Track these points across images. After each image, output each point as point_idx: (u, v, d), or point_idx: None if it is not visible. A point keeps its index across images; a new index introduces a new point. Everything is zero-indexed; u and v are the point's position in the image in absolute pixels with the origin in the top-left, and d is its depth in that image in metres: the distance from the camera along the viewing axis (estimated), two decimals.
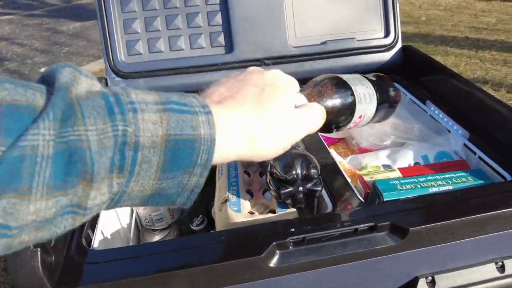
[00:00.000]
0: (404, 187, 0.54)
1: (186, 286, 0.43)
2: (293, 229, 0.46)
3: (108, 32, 0.74)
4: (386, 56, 0.84)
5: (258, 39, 0.78)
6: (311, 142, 0.63)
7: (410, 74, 0.84)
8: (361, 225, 0.47)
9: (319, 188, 0.51)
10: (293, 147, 0.55)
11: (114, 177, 0.28)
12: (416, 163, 0.63)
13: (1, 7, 4.97)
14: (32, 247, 0.39)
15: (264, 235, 0.45)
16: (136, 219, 0.72)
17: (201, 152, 0.31)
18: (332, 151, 0.62)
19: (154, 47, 0.76)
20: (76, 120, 0.27)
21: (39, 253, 0.39)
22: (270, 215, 0.53)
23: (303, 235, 0.45)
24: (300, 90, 0.46)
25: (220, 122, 0.32)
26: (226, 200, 0.55)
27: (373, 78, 0.58)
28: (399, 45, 0.85)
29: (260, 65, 0.79)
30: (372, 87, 0.55)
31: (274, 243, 0.44)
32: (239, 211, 0.53)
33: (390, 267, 0.49)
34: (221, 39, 0.78)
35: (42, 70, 2.98)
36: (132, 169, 0.29)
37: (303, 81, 0.81)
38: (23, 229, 0.26)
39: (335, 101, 0.48)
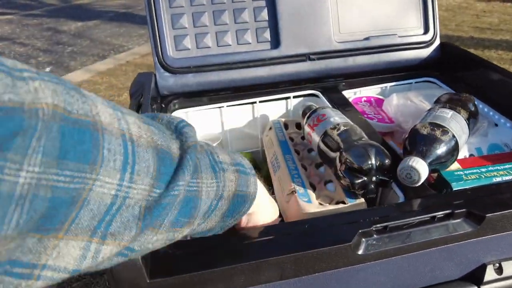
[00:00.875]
0: (469, 177, 0.55)
1: (275, 274, 0.43)
2: (377, 218, 0.47)
3: (157, 27, 0.74)
4: (426, 52, 0.86)
5: (303, 35, 0.79)
6: (368, 134, 0.64)
7: (450, 70, 0.85)
8: (439, 213, 0.48)
9: (391, 179, 0.52)
10: (360, 138, 0.56)
11: (198, 219, 0.36)
12: (471, 155, 0.65)
13: None
14: None
15: (347, 225, 0.46)
16: None
17: (247, 205, 0.40)
18: (391, 143, 0.63)
19: (202, 42, 0.77)
20: (198, 174, 0.34)
21: None
22: (341, 205, 0.53)
23: (386, 223, 0.46)
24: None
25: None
26: (293, 192, 0.55)
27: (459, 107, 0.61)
28: (437, 41, 0.86)
29: (305, 60, 0.80)
30: (465, 122, 0.58)
31: (360, 231, 0.45)
32: (310, 202, 0.53)
33: (462, 253, 0.50)
34: (267, 34, 0.79)
35: (47, 69, 2.96)
36: (210, 215, 0.37)
37: (347, 75, 0.82)
38: (137, 254, 0.32)
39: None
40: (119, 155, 0.26)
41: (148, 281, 0.40)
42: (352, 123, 0.62)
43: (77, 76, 2.74)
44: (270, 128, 0.75)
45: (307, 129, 0.65)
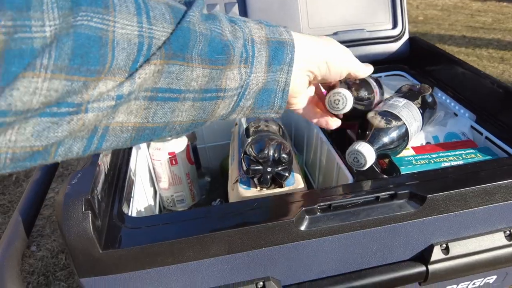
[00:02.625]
0: (419, 162, 0.58)
1: (223, 247, 0.46)
2: (320, 197, 0.49)
3: None
4: (394, 46, 0.88)
5: None
6: None
7: (417, 63, 0.88)
8: (382, 193, 0.51)
9: (287, 174, 0.54)
10: (271, 133, 0.60)
11: (242, 66, 0.36)
12: (427, 143, 0.67)
13: None
14: (83, 209, 0.42)
15: (293, 202, 0.49)
16: (158, 201, 0.76)
17: (288, 51, 0.38)
18: (349, 131, 0.66)
19: None
20: (215, 20, 0.35)
21: (90, 215, 0.42)
22: (278, 189, 0.56)
23: (329, 202, 0.49)
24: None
25: (295, 35, 0.40)
26: (237, 180, 0.58)
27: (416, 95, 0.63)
28: (406, 36, 0.89)
29: None
30: (417, 110, 0.60)
31: (303, 208, 0.48)
32: (249, 188, 0.56)
33: (409, 233, 0.53)
34: None
35: None
36: (252, 61, 0.36)
37: None
38: (185, 98, 0.33)
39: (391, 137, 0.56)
40: (130, 3, 0.28)
41: (100, 251, 0.43)
42: (275, 123, 0.65)
43: None
44: (236, 124, 0.78)
45: (242, 121, 0.69)
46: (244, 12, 0.81)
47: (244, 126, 0.65)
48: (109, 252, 0.43)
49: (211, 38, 0.33)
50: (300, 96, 0.44)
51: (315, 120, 0.50)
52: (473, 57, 2.44)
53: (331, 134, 0.66)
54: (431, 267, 0.55)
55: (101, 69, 0.26)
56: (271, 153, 0.52)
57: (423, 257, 0.56)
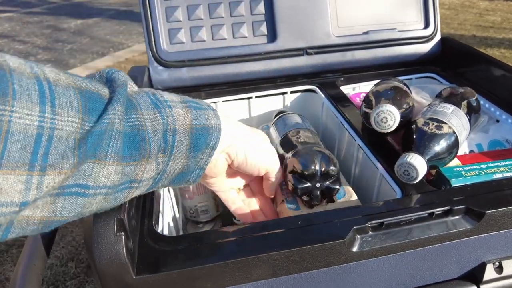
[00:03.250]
0: (469, 174, 0.54)
1: (267, 271, 0.42)
2: (371, 214, 0.45)
3: (151, 20, 0.72)
4: (426, 47, 0.84)
5: (301, 29, 0.77)
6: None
7: (449, 65, 0.83)
8: (437, 209, 0.47)
9: (337, 187, 0.50)
10: (313, 144, 0.55)
11: (160, 156, 0.36)
12: (471, 151, 0.63)
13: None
14: (116, 230, 0.38)
15: (342, 221, 0.44)
16: (182, 213, 0.71)
17: (212, 137, 0.39)
18: (389, 138, 0.62)
19: (196, 36, 0.75)
20: (137, 110, 0.34)
21: (123, 237, 0.38)
22: (330, 205, 0.51)
23: (381, 220, 0.45)
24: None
25: (223, 120, 0.42)
26: (282, 201, 0.54)
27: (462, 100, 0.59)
28: (438, 37, 0.85)
29: (302, 55, 0.78)
30: (465, 117, 0.56)
31: (355, 227, 0.43)
32: (299, 209, 0.52)
33: (461, 251, 0.49)
34: (264, 28, 0.77)
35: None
36: (172, 150, 0.37)
37: (345, 70, 0.81)
38: (96, 194, 0.32)
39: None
40: (33, 91, 0.26)
41: (134, 277, 0.38)
42: (312, 132, 0.60)
43: (76, 73, 2.73)
44: None
45: (271, 131, 0.64)
46: (271, 9, 0.76)
47: (276, 137, 0.61)
48: (143, 277, 0.39)
49: (128, 134, 0.33)
50: (219, 177, 0.46)
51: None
52: None
53: (368, 140, 0.62)
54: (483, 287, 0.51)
55: None
56: (317, 167, 0.47)
57: (474, 275, 0.52)
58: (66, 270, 1.06)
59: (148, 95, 0.37)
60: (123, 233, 0.38)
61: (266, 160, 0.47)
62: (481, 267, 0.51)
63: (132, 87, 0.37)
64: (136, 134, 0.33)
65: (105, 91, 0.33)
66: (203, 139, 0.39)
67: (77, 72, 2.75)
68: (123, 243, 0.38)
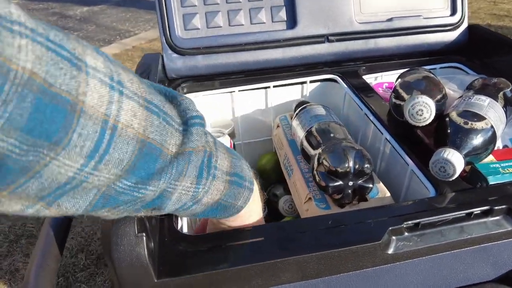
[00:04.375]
0: (507, 170, 0.50)
1: (296, 274, 0.39)
2: (406, 214, 0.42)
3: (165, 5, 0.69)
4: (452, 35, 0.80)
5: (322, 14, 0.73)
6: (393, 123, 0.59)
7: (478, 55, 0.79)
8: (476, 209, 0.43)
9: (370, 185, 0.47)
10: (343, 139, 0.51)
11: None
12: (504, 146, 0.59)
13: None
14: (136, 231, 0.35)
15: (376, 221, 0.41)
16: None
17: (226, 214, 0.38)
18: (418, 131, 0.58)
19: (212, 21, 0.72)
20: (180, 177, 0.30)
21: (144, 238, 0.35)
22: (362, 204, 0.48)
23: (417, 220, 0.42)
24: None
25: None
26: (309, 199, 0.51)
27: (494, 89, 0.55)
28: (465, 24, 0.80)
29: (323, 42, 0.75)
30: (502, 110, 0.52)
31: (390, 228, 0.40)
32: (329, 208, 0.49)
33: (499, 253, 0.46)
34: (283, 13, 0.73)
35: None
36: (178, 211, 0.34)
37: (366, 59, 0.77)
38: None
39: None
40: (90, 142, 0.23)
41: (155, 280, 0.36)
42: (340, 125, 0.57)
43: None
44: (278, 126, 0.70)
45: (294, 124, 0.60)
46: None
47: (300, 130, 0.57)
48: (165, 281, 0.36)
49: (151, 200, 0.31)
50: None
51: None
52: None
53: (396, 134, 0.59)
54: None
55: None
56: (351, 164, 0.44)
57: (509, 278, 0.49)
58: (76, 262, 1.04)
59: (205, 155, 0.33)
60: (144, 234, 0.35)
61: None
62: None
63: (206, 142, 0.34)
64: (157, 198, 0.30)
65: (171, 145, 0.29)
66: (216, 213, 0.37)
67: None
68: (145, 245, 0.35)
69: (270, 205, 0.69)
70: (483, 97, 0.53)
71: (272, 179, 0.76)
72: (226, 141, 0.65)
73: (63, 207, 0.26)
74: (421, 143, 0.55)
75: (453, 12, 0.79)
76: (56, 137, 0.21)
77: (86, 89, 0.23)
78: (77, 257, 1.05)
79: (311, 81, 0.75)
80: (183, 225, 0.45)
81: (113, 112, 0.24)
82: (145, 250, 0.35)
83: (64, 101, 0.21)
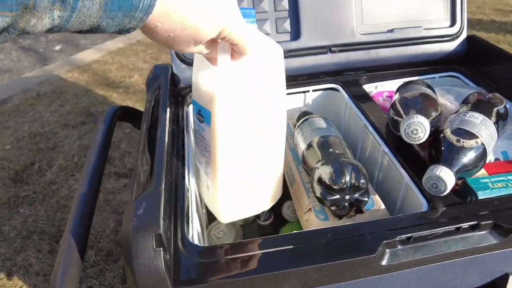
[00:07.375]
0: (496, 185, 0.54)
1: (297, 284, 0.43)
2: (399, 228, 0.46)
3: None
4: (451, 45, 0.82)
5: (325, 26, 0.76)
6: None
7: (476, 65, 0.82)
8: (464, 224, 0.47)
9: (366, 199, 0.50)
10: (342, 155, 0.54)
11: (56, 9, 0.29)
12: (496, 159, 0.63)
13: None
14: (154, 245, 0.39)
15: (371, 234, 0.45)
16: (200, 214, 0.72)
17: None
18: (415, 145, 0.61)
19: None
20: None
21: (161, 252, 0.39)
22: (359, 216, 0.52)
23: (410, 234, 0.45)
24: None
25: None
26: (309, 209, 0.54)
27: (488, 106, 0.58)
28: (464, 35, 0.83)
29: (326, 53, 0.77)
30: (494, 127, 0.55)
31: (384, 241, 0.44)
32: (327, 219, 0.52)
33: (486, 264, 0.49)
34: (287, 25, 0.76)
35: (57, 48, 2.93)
36: (75, 4, 0.29)
37: (367, 68, 0.80)
38: None
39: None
40: None
41: None
42: (340, 139, 0.60)
43: (87, 55, 2.72)
44: None
45: (296, 134, 0.64)
46: (295, 6, 0.75)
47: (301, 142, 0.60)
48: None
49: None
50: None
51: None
52: (504, 44, 2.34)
53: (394, 146, 0.62)
54: None
55: None
56: (347, 179, 0.48)
57: (496, 285, 0.53)
58: (86, 258, 1.09)
59: None
60: (161, 248, 0.39)
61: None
62: (504, 278, 0.52)
63: None
64: None
65: None
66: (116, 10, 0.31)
67: (89, 54, 2.74)
68: (162, 258, 0.39)
69: (273, 209, 0.72)
70: (476, 114, 0.56)
71: None
72: None
73: None
74: (416, 157, 0.59)
75: (453, 23, 0.82)
76: None
77: None
78: (87, 254, 1.10)
79: (314, 90, 0.78)
80: (193, 235, 0.49)
81: None
82: (162, 262, 0.39)
83: None
